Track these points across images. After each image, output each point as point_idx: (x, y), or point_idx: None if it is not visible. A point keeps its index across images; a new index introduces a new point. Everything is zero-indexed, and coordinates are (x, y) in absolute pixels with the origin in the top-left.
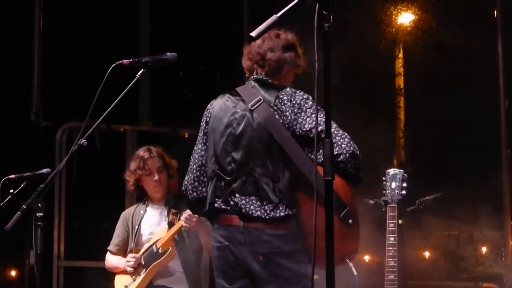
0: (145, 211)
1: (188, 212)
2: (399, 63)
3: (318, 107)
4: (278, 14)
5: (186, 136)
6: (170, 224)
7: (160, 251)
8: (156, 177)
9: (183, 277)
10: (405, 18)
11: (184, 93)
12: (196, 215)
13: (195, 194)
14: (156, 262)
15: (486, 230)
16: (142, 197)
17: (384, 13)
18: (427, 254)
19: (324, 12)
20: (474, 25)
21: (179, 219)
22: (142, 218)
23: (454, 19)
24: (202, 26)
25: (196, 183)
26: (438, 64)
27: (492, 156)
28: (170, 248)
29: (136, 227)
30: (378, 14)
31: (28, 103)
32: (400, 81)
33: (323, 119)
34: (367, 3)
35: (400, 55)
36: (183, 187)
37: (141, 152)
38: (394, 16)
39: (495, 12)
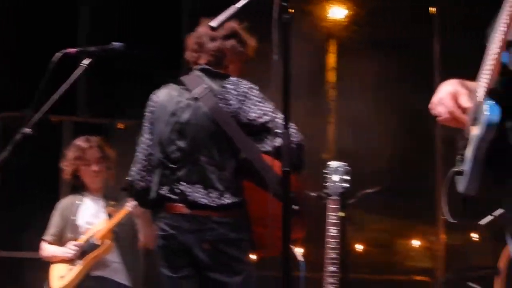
0: (83, 201)
1: (133, 202)
2: (332, 58)
3: (264, 98)
4: (238, 4)
5: (123, 127)
6: (109, 216)
7: (98, 242)
8: (95, 168)
9: (121, 267)
10: (339, 13)
11: (121, 84)
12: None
13: (143, 183)
14: (94, 254)
15: (419, 224)
16: (77, 187)
17: (317, 7)
18: (360, 247)
19: (284, 4)
20: (410, 22)
21: (118, 210)
22: (78, 209)
23: (391, 15)
24: (140, 19)
25: (144, 173)
26: (372, 60)
27: (427, 152)
28: (107, 240)
29: (73, 217)
30: (312, 8)
31: None
32: (333, 76)
33: (270, 110)
34: None
35: (333, 49)
36: (129, 177)
37: (80, 142)
38: (327, 10)
39: (432, 8)
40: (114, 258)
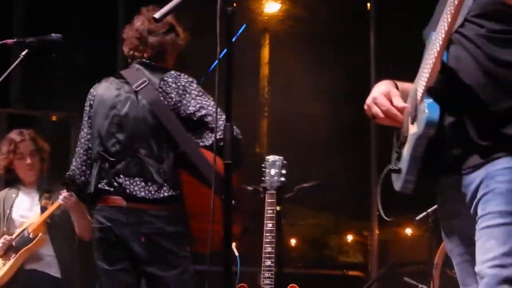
0: (17, 195)
1: (65, 192)
2: (266, 52)
3: (204, 92)
4: None
5: (56, 119)
6: (43, 209)
7: (31, 236)
8: (29, 161)
9: (54, 261)
10: (273, 7)
11: (56, 76)
12: (74, 195)
13: (83, 178)
14: (27, 247)
15: (353, 220)
16: (11, 180)
17: (253, 1)
18: (293, 242)
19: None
20: (346, 17)
21: (52, 203)
22: (13, 202)
23: (327, 10)
24: (77, 15)
25: (84, 167)
26: (307, 54)
27: (360, 148)
28: (40, 233)
29: (8, 211)
30: (248, 1)
31: None
32: (266, 70)
33: (209, 103)
34: None
35: (267, 43)
36: (70, 172)
37: (13, 135)
38: (263, 4)
39: (368, 4)
40: (47, 251)
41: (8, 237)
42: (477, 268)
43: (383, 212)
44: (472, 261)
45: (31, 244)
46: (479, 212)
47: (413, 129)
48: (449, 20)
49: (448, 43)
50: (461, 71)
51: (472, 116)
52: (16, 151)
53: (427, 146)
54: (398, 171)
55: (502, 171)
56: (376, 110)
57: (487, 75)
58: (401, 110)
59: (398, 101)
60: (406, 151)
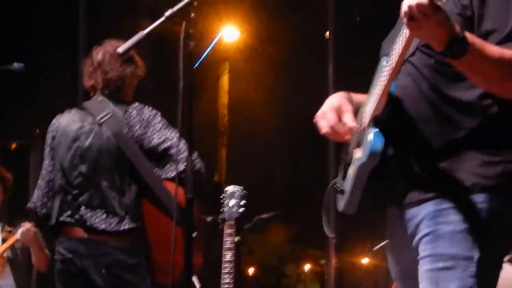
0: None
1: (25, 226)
2: (225, 80)
3: (167, 124)
4: (145, 31)
5: (15, 147)
6: (3, 241)
7: None
8: None
9: None
10: (233, 35)
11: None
12: (33, 230)
13: (44, 210)
14: None
15: (310, 248)
16: None
17: (212, 31)
18: (251, 270)
19: (190, 31)
20: (306, 45)
21: (13, 235)
22: None
23: (287, 37)
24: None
25: (45, 199)
26: (265, 80)
27: (317, 175)
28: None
29: None
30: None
31: None
32: (226, 98)
33: (173, 136)
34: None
35: (226, 71)
36: (31, 204)
37: None
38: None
39: (327, 33)
40: (6, 282)
41: None
42: None
43: (326, 228)
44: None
45: None
46: (421, 253)
47: (358, 154)
48: (400, 51)
49: (397, 73)
50: (406, 102)
51: (415, 149)
52: None
53: (371, 174)
54: (342, 191)
55: (443, 212)
56: (322, 124)
57: (431, 108)
58: (347, 129)
59: (348, 119)
60: (350, 173)
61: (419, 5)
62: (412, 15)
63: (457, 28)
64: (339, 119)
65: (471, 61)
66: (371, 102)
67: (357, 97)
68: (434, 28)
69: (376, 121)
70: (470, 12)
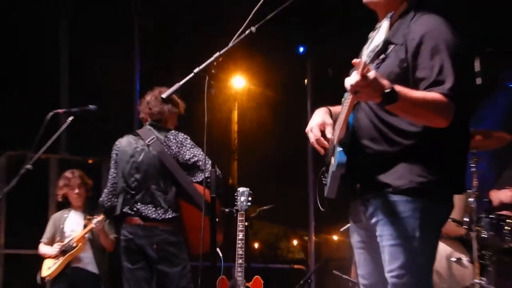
0: (68, 215)
1: (98, 218)
2: (235, 114)
3: (195, 144)
4: (181, 83)
5: (91, 162)
6: (85, 226)
7: (74, 245)
8: (77, 191)
9: (93, 261)
10: (240, 82)
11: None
12: (102, 222)
13: (109, 203)
14: (71, 252)
15: (297, 228)
16: (63, 204)
17: (225, 79)
18: (256, 245)
19: (211, 82)
20: (292, 88)
21: (90, 223)
22: (65, 220)
23: (280, 83)
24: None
25: (110, 196)
26: (265, 114)
27: (302, 180)
28: (81, 243)
29: (62, 226)
30: (222, 79)
31: None
32: (235, 127)
33: (199, 153)
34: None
35: (236, 108)
36: (101, 199)
37: (67, 173)
38: (231, 81)
39: (306, 79)
40: (87, 254)
41: (61, 243)
42: (385, 275)
43: (320, 203)
44: (367, 250)
45: (74, 250)
46: (378, 232)
47: (332, 161)
48: (348, 105)
49: (353, 107)
50: (361, 127)
51: (368, 162)
52: (69, 185)
53: (341, 176)
54: (325, 183)
55: (388, 204)
56: (311, 136)
57: (378, 132)
58: (328, 141)
59: (329, 131)
60: (329, 173)
61: (356, 83)
62: (355, 90)
63: (387, 84)
64: (323, 132)
65: (402, 105)
66: (338, 124)
67: (335, 109)
68: (371, 92)
69: (340, 143)
70: (406, 64)
